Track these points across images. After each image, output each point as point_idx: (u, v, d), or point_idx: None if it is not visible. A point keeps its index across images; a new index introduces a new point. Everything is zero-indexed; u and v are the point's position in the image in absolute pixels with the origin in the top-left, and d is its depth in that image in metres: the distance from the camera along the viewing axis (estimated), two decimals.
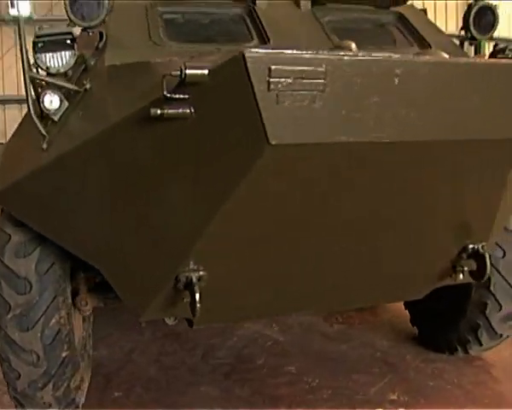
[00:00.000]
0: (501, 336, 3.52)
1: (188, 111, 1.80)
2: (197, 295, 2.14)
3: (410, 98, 1.83)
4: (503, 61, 2.07)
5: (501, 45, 2.99)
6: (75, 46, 2.43)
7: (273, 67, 1.66)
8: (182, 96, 1.77)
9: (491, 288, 3.35)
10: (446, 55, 2.39)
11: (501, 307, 3.38)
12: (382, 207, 2.16)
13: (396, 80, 1.78)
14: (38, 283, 2.61)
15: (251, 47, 2.72)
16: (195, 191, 1.96)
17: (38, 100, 2.37)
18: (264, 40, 2.75)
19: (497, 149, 2.10)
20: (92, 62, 2.48)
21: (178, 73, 1.71)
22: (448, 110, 1.90)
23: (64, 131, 2.28)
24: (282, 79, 1.68)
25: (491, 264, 3.25)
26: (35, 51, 2.38)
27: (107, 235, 2.27)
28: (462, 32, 3.05)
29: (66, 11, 2.42)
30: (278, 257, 2.24)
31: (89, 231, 2.32)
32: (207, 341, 4.05)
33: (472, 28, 2.96)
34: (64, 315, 2.72)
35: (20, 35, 2.26)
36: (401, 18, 3.20)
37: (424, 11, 3.45)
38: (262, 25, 2.82)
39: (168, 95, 1.77)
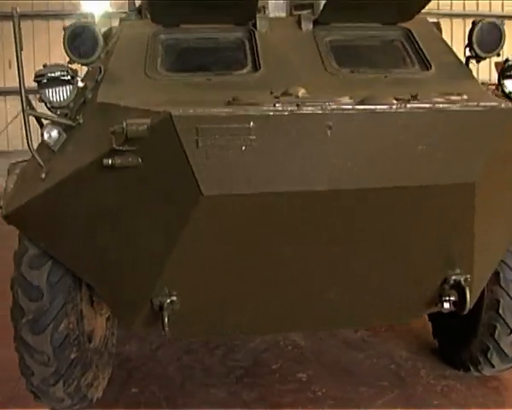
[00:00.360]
0: None
1: (136, 161, 1.96)
2: (166, 319, 2.33)
3: (344, 148, 1.87)
4: (439, 106, 2.00)
5: (510, 63, 2.88)
6: (75, 81, 2.67)
7: (200, 126, 1.77)
8: (129, 148, 1.93)
9: (500, 311, 3.25)
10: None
11: (511, 330, 3.28)
12: (335, 249, 2.22)
13: (328, 132, 1.82)
14: (49, 292, 2.91)
15: (243, 74, 2.81)
16: (152, 229, 2.13)
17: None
18: (256, 67, 2.84)
19: (447, 194, 2.07)
20: (90, 96, 2.70)
21: (122, 128, 1.87)
22: (381, 158, 1.91)
23: (58, 163, 2.53)
24: (211, 137, 1.79)
25: (501, 286, 3.20)
26: (39, 87, 2.65)
27: (94, 258, 2.51)
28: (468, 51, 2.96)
29: (65, 49, 2.65)
30: (244, 281, 2.37)
31: (80, 253, 2.57)
32: (231, 341, 4.25)
33: (475, 46, 2.86)
34: (73, 321, 3.01)
35: (19, 76, 2.51)
36: (408, 34, 3.13)
37: (437, 25, 3.34)
38: (257, 50, 2.90)
39: (117, 147, 1.94)
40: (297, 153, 1.85)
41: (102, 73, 2.76)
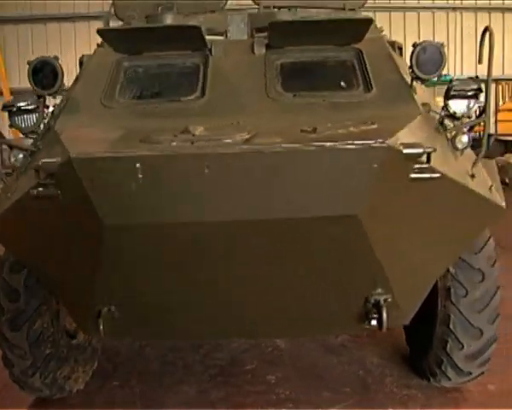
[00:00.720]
0: (470, 373, 3.47)
1: (55, 193, 2.25)
2: (101, 326, 2.63)
3: (221, 183, 2.06)
4: (306, 149, 2.13)
5: (454, 83, 2.94)
6: (40, 109, 2.99)
7: (95, 166, 2.03)
8: (50, 181, 2.22)
9: (451, 326, 3.33)
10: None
11: (463, 345, 3.34)
12: (242, 271, 2.42)
13: (206, 170, 2.02)
14: (25, 294, 3.28)
15: (190, 101, 3.03)
16: (77, 253, 2.42)
17: None
18: (203, 93, 3.05)
19: (336, 225, 2.21)
20: (52, 123, 3.02)
21: (38, 166, 2.17)
22: (260, 193, 2.09)
23: (19, 184, 2.86)
24: (105, 175, 2.04)
25: (452, 302, 3.28)
26: (9, 116, 2.99)
27: (45, 272, 2.84)
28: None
29: (29, 82, 2.98)
30: (169, 294, 2.62)
31: (35, 265, 2.91)
32: (216, 341, 4.50)
33: (415, 68, 2.93)
34: (47, 320, 3.36)
35: None
36: (358, 55, 3.22)
37: (393, 44, 3.41)
38: (205, 76, 3.10)
39: (41, 181, 2.24)
40: (179, 188, 2.07)
41: (65, 101, 3.07)
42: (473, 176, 2.85)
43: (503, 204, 3.04)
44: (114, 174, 2.06)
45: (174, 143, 2.12)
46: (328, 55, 3.29)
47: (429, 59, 2.95)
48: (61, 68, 2.99)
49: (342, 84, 3.17)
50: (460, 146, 2.89)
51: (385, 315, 2.70)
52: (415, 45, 2.97)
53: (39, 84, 2.98)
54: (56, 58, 3.00)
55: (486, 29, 2.88)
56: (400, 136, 2.29)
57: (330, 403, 3.63)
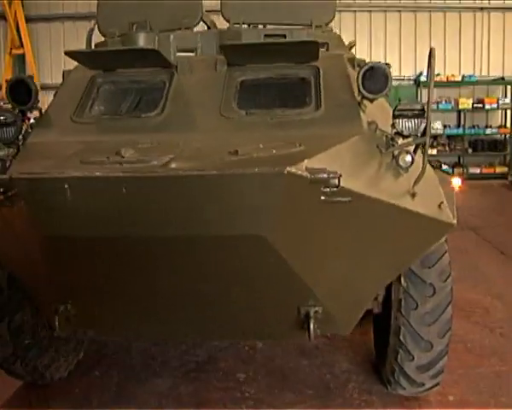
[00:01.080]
0: (423, 384, 3.57)
1: (8, 204, 2.52)
2: (56, 322, 2.91)
3: (137, 202, 2.29)
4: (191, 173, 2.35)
5: (401, 106, 3.02)
6: (18, 123, 3.27)
7: (32, 184, 2.30)
8: (4, 194, 2.50)
9: (401, 337, 3.43)
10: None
11: (413, 357, 3.44)
12: (176, 280, 2.63)
13: (124, 190, 2.24)
14: (8, 289, 3.60)
15: (149, 117, 3.21)
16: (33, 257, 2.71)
17: None
18: (163, 110, 3.25)
19: (247, 244, 2.39)
20: (28, 137, 3.30)
21: None
22: (170, 212, 2.30)
23: None
24: (42, 191, 2.31)
25: (402, 314, 3.38)
26: None
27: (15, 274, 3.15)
28: None
29: (7, 98, 3.27)
30: (118, 296, 2.86)
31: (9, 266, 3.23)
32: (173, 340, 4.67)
33: (361, 88, 3.04)
34: (28, 313, 3.68)
35: None
36: (315, 73, 3.33)
37: (352, 60, 3.50)
38: (168, 93, 3.30)
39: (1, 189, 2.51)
40: (102, 205, 2.31)
41: (40, 115, 3.34)
42: (413, 195, 2.93)
43: (453, 221, 3.12)
44: (47, 192, 2.32)
45: (106, 166, 2.36)
46: (287, 72, 3.40)
47: (375, 79, 3.05)
48: (35, 86, 3.26)
49: (295, 101, 3.30)
50: (403, 165, 2.98)
51: (312, 326, 2.85)
52: (359, 66, 3.09)
53: (17, 100, 3.26)
54: (31, 77, 3.27)
55: (431, 51, 2.97)
56: (313, 160, 2.43)
57: (291, 404, 3.80)
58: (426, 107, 2.90)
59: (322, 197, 2.42)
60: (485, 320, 5.09)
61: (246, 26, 3.83)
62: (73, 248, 2.51)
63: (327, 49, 3.70)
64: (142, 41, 3.61)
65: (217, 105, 3.21)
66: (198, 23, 3.89)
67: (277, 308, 2.91)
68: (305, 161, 2.39)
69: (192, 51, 3.72)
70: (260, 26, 4.00)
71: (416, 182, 2.94)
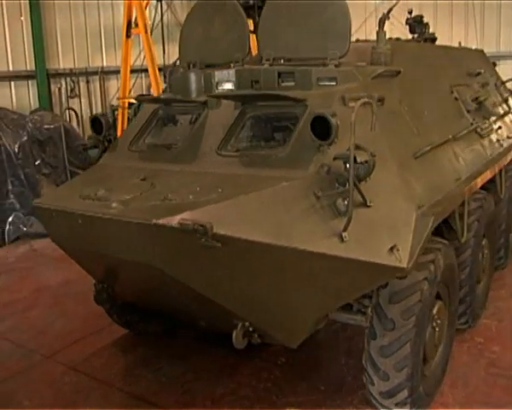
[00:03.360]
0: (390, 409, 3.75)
1: None
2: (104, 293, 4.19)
3: (91, 231, 3.32)
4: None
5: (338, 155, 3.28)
6: (99, 146, 4.55)
7: (40, 211, 3.53)
8: None
9: (363, 361, 3.70)
10: None
11: (373, 383, 3.68)
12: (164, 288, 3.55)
13: (79, 221, 3.27)
14: None
15: (174, 148, 4.10)
16: None
17: None
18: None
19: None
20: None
21: None
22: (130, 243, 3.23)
23: None
24: (52, 216, 3.54)
25: (366, 340, 3.68)
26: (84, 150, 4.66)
27: None
28: None
29: (91, 129, 4.55)
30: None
31: None
32: None
33: (311, 134, 3.33)
34: None
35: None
36: (303, 112, 3.64)
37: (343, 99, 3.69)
38: (193, 128, 4.08)
39: None
40: (75, 229, 3.39)
41: (114, 141, 4.53)
42: (342, 239, 3.19)
43: (401, 265, 3.25)
44: (49, 217, 3.53)
45: (85, 201, 3.42)
46: (289, 110, 3.84)
47: (320, 128, 3.33)
48: (107, 121, 4.45)
49: (281, 138, 3.77)
50: (342, 209, 3.26)
51: (234, 335, 3.43)
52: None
53: (95, 130, 4.52)
54: (104, 115, 4.48)
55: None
56: (198, 211, 3.02)
57: (209, 389, 4.45)
58: (350, 154, 3.04)
59: (201, 242, 3.00)
60: None
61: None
62: (73, 253, 3.69)
63: (336, 83, 3.95)
64: (192, 78, 4.44)
65: (217, 143, 3.88)
66: (246, 56, 4.53)
67: (220, 317, 3.58)
68: (186, 212, 3.01)
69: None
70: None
71: (345, 227, 3.18)
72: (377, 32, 4.52)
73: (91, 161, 4.57)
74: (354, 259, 3.18)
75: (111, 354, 5.14)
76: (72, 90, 10.64)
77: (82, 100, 10.98)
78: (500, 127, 6.01)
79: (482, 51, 7.34)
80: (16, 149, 7.67)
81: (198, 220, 2.98)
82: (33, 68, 10.42)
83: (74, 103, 10.85)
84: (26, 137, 7.73)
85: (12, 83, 10.04)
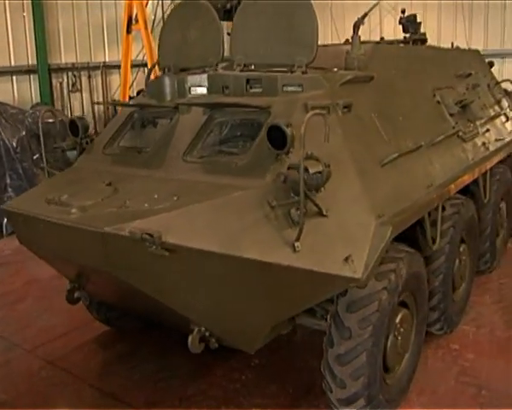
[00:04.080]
0: None
1: None
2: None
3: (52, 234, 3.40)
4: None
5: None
6: (77, 148, 4.62)
7: (6, 213, 3.61)
8: None
9: (322, 368, 3.72)
10: None
11: (331, 390, 3.70)
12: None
13: (41, 226, 3.35)
14: None
15: (144, 152, 4.15)
16: None
17: None
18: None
19: None
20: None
21: None
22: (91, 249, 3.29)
23: None
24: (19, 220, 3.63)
25: (324, 348, 3.70)
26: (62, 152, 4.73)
27: None
28: None
29: (67, 131, 4.62)
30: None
31: None
32: None
33: (269, 145, 3.34)
34: None
35: None
36: (266, 119, 3.68)
37: (306, 106, 3.69)
38: (164, 132, 4.14)
39: None
40: (49, 237, 3.49)
41: (89, 144, 4.60)
42: (295, 249, 3.21)
43: (356, 276, 3.25)
44: (16, 221, 3.62)
45: (50, 206, 3.50)
46: (255, 117, 3.87)
47: (276, 138, 3.35)
48: (84, 125, 4.51)
49: (244, 146, 3.79)
50: (295, 219, 3.27)
51: (190, 339, 3.49)
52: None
53: (72, 132, 4.59)
54: (81, 117, 4.54)
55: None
56: (150, 219, 3.08)
57: (181, 387, 4.54)
58: (300, 163, 3.05)
59: (150, 250, 3.05)
60: None
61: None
62: (40, 256, 3.79)
63: (302, 90, 3.94)
64: (166, 82, 4.47)
65: (183, 148, 3.92)
66: (220, 61, 4.55)
67: (179, 321, 3.64)
68: (137, 221, 3.07)
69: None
70: None
71: (297, 237, 3.19)
72: (352, 37, 4.51)
73: (71, 163, 4.64)
74: (306, 269, 3.19)
75: (90, 350, 5.25)
76: (73, 84, 10.74)
77: (84, 95, 11.09)
78: (488, 130, 5.94)
79: (477, 51, 7.23)
80: (15, 144, 7.83)
81: (146, 229, 3.03)
82: (35, 63, 10.53)
83: (76, 98, 10.97)
84: (24, 132, 7.88)
85: (14, 77, 10.18)
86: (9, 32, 9.96)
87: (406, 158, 4.25)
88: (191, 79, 4.41)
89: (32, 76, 10.42)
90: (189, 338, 3.51)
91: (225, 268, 3.18)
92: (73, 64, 11.13)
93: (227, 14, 5.06)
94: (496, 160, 5.84)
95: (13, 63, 10.23)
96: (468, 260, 5.31)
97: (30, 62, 10.50)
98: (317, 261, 3.23)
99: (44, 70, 10.45)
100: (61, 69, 10.95)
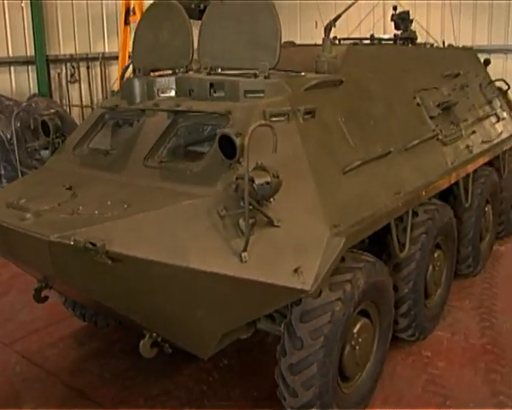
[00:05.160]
0: None
1: None
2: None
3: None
4: None
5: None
6: (49, 147, 4.65)
7: None
8: None
9: (275, 376, 3.73)
10: None
11: (285, 398, 3.70)
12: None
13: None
14: None
15: (112, 155, 4.14)
16: None
17: None
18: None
19: None
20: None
21: None
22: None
23: None
24: None
25: (278, 356, 3.70)
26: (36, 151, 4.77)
27: None
28: None
29: (40, 132, 4.64)
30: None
31: None
32: None
33: (219, 152, 3.31)
34: None
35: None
36: (225, 125, 3.62)
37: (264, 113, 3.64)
38: (131, 135, 4.12)
39: None
40: (5, 241, 3.50)
41: (61, 144, 4.62)
42: (241, 260, 3.19)
43: (305, 288, 3.25)
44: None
45: (9, 210, 3.50)
46: (212, 123, 3.84)
47: (226, 145, 3.32)
48: (55, 125, 4.52)
49: (203, 152, 3.77)
50: (243, 229, 3.25)
51: (141, 344, 3.53)
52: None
53: (45, 133, 4.61)
54: (52, 118, 4.55)
55: None
56: (95, 228, 3.08)
57: (146, 385, 4.62)
58: (245, 174, 3.03)
59: (97, 258, 3.05)
60: None
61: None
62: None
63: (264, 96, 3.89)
64: (136, 84, 4.45)
65: (144, 153, 3.91)
66: (190, 62, 4.51)
67: (133, 324, 3.67)
68: (83, 229, 3.07)
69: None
70: None
71: (244, 248, 3.18)
72: (323, 40, 4.44)
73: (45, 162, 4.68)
74: (252, 280, 3.19)
75: (65, 346, 5.32)
76: (72, 75, 10.78)
77: (82, 85, 11.12)
78: (474, 132, 5.82)
79: (470, 49, 7.06)
80: (9, 136, 7.92)
81: (91, 238, 3.05)
82: (33, 54, 10.53)
83: (74, 89, 11.01)
84: (19, 124, 7.96)
85: (12, 68, 10.23)
86: (7, 22, 10.00)
87: (374, 164, 4.19)
88: (160, 81, 4.38)
89: (30, 67, 10.47)
90: (141, 343, 3.55)
91: (170, 277, 3.19)
92: (72, 55, 11.13)
93: (202, 14, 5.01)
94: (480, 162, 5.73)
95: (11, 54, 10.29)
96: (445, 266, 5.23)
97: (28, 53, 10.53)
98: (265, 272, 3.22)
99: (42, 61, 10.47)
100: (59, 60, 10.99)
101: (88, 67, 11.18)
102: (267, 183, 3.16)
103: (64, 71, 10.82)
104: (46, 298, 4.47)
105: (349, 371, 3.91)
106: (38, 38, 10.26)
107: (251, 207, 3.13)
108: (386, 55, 5.32)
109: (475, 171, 5.84)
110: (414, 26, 6.50)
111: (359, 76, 4.61)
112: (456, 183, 5.36)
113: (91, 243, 3.02)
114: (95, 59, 11.33)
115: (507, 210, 6.91)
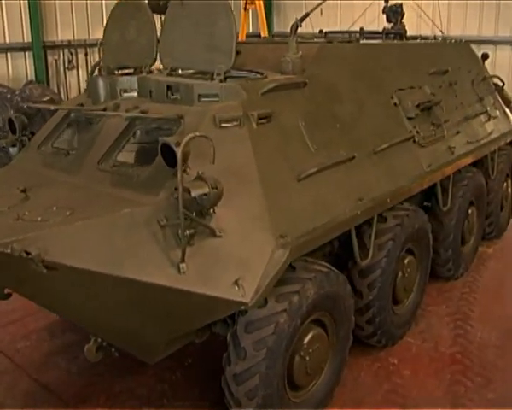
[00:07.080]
0: None
1: None
2: None
3: None
4: None
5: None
6: (17, 144, 4.67)
7: None
8: None
9: (222, 384, 3.70)
10: None
11: (231, 406, 3.69)
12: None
13: None
14: None
15: (72, 154, 4.13)
16: None
17: None
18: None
19: None
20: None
21: None
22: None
23: None
24: None
25: (224, 365, 3.69)
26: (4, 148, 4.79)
27: None
28: None
29: (7, 129, 4.65)
30: None
31: None
32: None
33: (162, 160, 3.25)
34: None
35: None
36: (176, 130, 3.59)
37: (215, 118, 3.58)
38: (91, 136, 4.10)
39: None
40: None
41: (28, 142, 4.62)
42: (179, 270, 3.16)
43: (244, 300, 3.21)
44: None
45: None
46: (166, 127, 3.76)
47: (168, 153, 3.26)
48: (20, 123, 4.52)
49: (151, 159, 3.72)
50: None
51: (86, 349, 3.57)
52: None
53: (12, 131, 4.62)
54: (18, 115, 4.55)
55: None
56: (36, 236, 3.00)
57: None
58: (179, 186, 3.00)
59: (33, 266, 3.04)
60: None
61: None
62: None
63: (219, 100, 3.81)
64: (100, 83, 4.41)
65: (100, 156, 3.88)
66: (154, 62, 4.45)
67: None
68: (20, 236, 3.04)
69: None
70: None
71: (181, 258, 3.15)
72: (289, 40, 4.32)
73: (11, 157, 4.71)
74: (189, 291, 3.16)
75: (38, 338, 5.39)
76: (70, 61, 10.76)
77: (80, 72, 11.10)
78: (458, 132, 5.63)
79: (466, 44, 6.81)
80: (1, 123, 7.97)
81: (27, 246, 3.04)
82: (30, 40, 10.47)
83: (72, 76, 11.00)
84: (12, 111, 8.01)
85: (8, 54, 10.22)
86: (4, 7, 9.98)
87: (335, 170, 4.09)
88: (122, 81, 4.34)
89: (27, 53, 10.45)
90: (86, 347, 3.57)
91: (106, 287, 3.18)
92: (70, 41, 11.05)
93: None
94: (462, 164, 5.55)
95: (7, 40, 10.27)
96: (418, 271, 5.12)
97: (25, 39, 10.48)
98: (204, 283, 3.20)
99: (38, 47, 10.42)
100: (56, 46, 10.94)
101: (86, 54, 11.15)
102: (205, 194, 3.11)
103: (62, 57, 10.81)
104: (10, 295, 4.53)
105: (299, 380, 3.87)
106: (35, 23, 10.22)
107: (187, 218, 3.09)
108: (365, 53, 5.15)
109: (459, 172, 5.68)
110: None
111: (328, 77, 4.49)
112: (430, 187, 5.21)
113: (26, 252, 3.02)
114: (93, 45, 11.29)
115: (496, 212, 6.71)
